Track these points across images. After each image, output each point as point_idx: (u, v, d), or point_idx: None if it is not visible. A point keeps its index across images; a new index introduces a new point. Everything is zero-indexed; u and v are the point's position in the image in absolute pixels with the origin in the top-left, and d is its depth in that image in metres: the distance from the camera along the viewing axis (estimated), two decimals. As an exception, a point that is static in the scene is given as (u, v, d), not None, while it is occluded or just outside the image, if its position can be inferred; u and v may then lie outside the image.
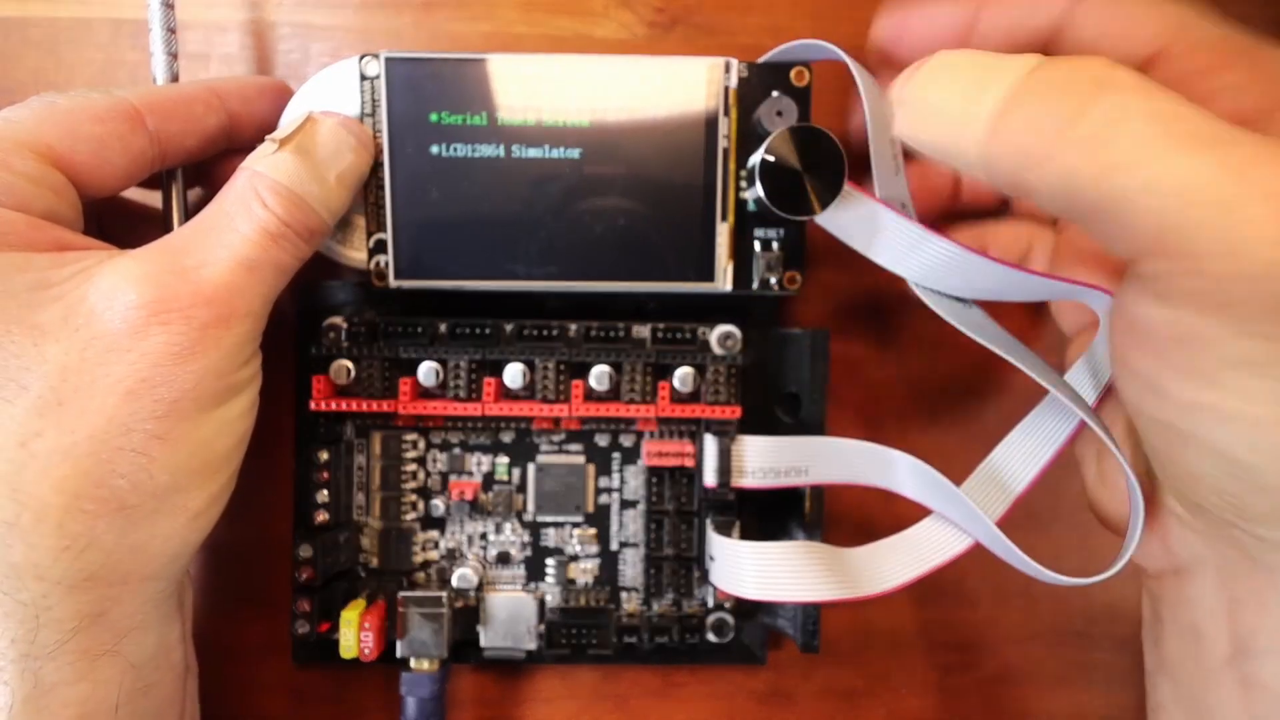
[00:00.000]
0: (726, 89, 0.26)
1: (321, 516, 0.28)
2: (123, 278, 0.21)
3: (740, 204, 0.27)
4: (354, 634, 0.27)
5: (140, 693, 0.22)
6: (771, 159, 0.25)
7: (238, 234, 0.22)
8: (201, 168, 0.27)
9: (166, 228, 0.26)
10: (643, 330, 0.28)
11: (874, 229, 0.25)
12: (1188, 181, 0.16)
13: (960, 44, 0.24)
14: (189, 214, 0.26)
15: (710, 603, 0.29)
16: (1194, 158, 0.16)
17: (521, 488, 0.30)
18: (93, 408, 0.20)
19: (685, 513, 0.29)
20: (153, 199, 0.28)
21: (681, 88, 0.26)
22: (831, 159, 0.24)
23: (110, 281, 0.21)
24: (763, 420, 0.29)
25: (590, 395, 0.28)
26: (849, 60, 0.25)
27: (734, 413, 0.28)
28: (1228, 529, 0.19)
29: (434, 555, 0.29)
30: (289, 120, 0.24)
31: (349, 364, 0.27)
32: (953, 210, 0.29)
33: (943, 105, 0.20)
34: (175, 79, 0.26)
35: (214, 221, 0.23)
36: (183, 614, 0.24)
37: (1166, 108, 0.17)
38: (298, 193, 0.23)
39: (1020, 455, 0.25)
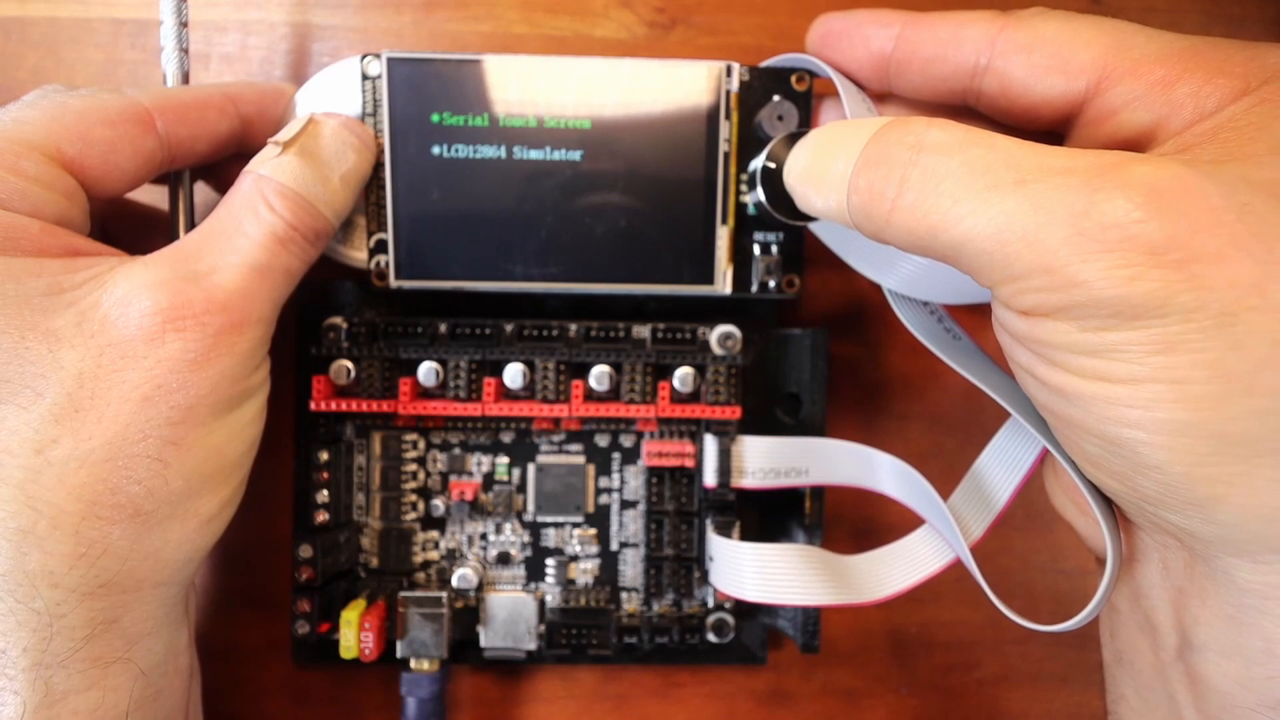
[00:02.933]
0: (728, 93, 0.26)
1: (321, 516, 0.28)
2: (136, 284, 0.21)
3: (740, 208, 0.27)
4: (354, 634, 0.27)
5: (150, 699, 0.22)
6: (772, 165, 0.25)
7: (247, 239, 0.22)
8: (210, 168, 0.27)
9: (173, 230, 0.26)
10: (643, 330, 0.28)
11: (858, 237, 0.25)
12: (998, 224, 0.18)
13: (877, 68, 0.25)
14: (195, 216, 0.26)
15: (710, 603, 0.29)
16: (1001, 202, 0.18)
17: (521, 488, 0.30)
18: (109, 414, 0.20)
19: (685, 513, 0.29)
20: (157, 199, 0.28)
21: (683, 91, 0.26)
22: None
23: (124, 288, 0.21)
24: (763, 420, 0.29)
25: (590, 395, 0.28)
26: (835, 76, 0.25)
27: (734, 413, 0.28)
28: (1148, 516, 0.19)
29: (434, 555, 0.29)
30: (292, 122, 0.24)
31: (349, 364, 0.27)
32: None
33: (817, 175, 0.22)
34: (186, 76, 0.26)
35: (222, 226, 0.23)
36: (188, 618, 0.24)
37: (974, 159, 0.18)
38: (303, 195, 0.23)
39: (1000, 468, 0.25)
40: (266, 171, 0.23)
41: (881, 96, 0.26)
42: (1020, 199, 0.17)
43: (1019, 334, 0.19)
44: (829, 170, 0.21)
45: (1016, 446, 0.25)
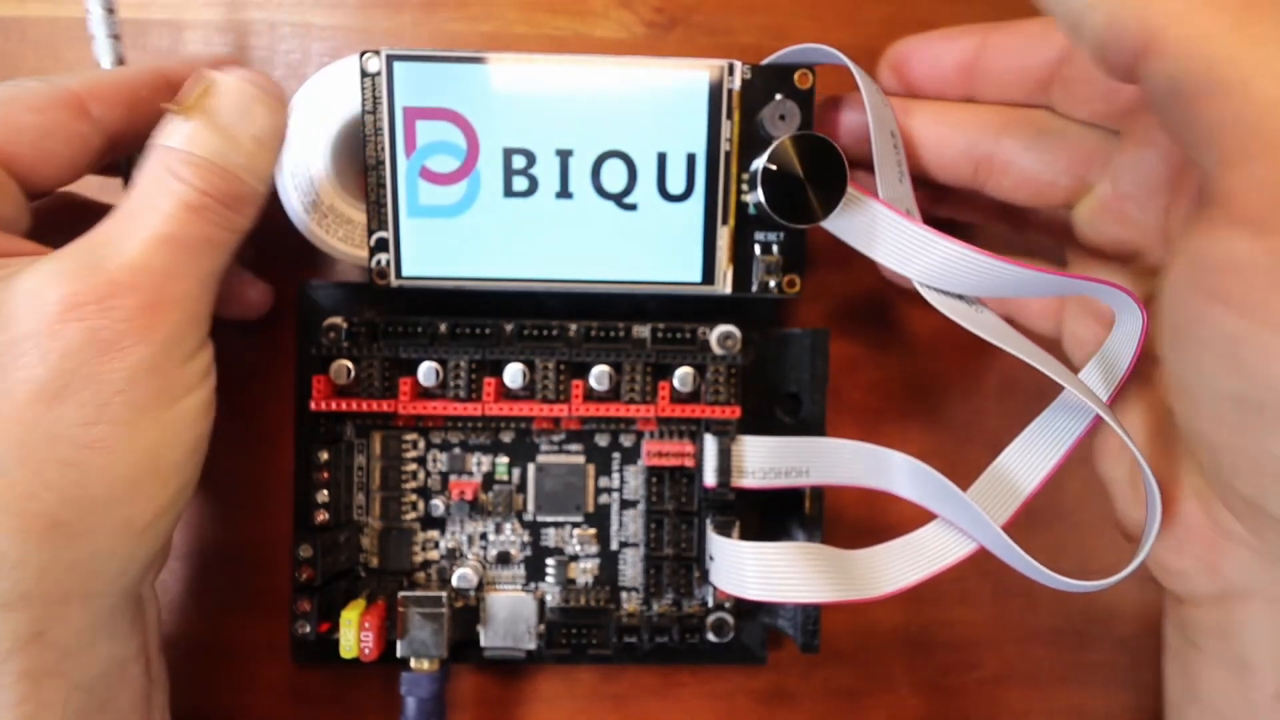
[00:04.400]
0: (729, 91, 0.26)
1: (321, 516, 0.28)
2: (43, 278, 0.20)
3: (741, 207, 0.27)
4: (354, 634, 0.27)
5: (92, 712, 0.21)
6: (774, 167, 0.25)
7: (157, 213, 0.21)
8: None
9: None
10: (643, 330, 0.28)
11: (878, 231, 0.25)
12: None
13: (964, 81, 0.25)
14: None
15: (710, 602, 0.29)
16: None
17: (521, 488, 0.30)
18: (13, 418, 0.19)
19: (685, 513, 0.29)
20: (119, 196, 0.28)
21: (684, 90, 0.26)
22: (834, 166, 0.24)
23: (31, 283, 0.20)
24: (763, 420, 0.29)
25: (590, 395, 0.28)
26: (851, 65, 0.25)
27: (734, 413, 0.28)
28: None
29: (434, 555, 0.29)
30: (186, 84, 0.22)
31: (349, 364, 0.27)
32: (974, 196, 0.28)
33: None
34: (120, 61, 0.25)
35: (132, 207, 0.21)
36: (143, 627, 0.23)
37: None
38: (213, 161, 0.21)
39: (1030, 456, 0.25)
40: (171, 143, 0.21)
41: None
42: None
43: (1244, 267, 0.15)
44: None
45: (1048, 436, 0.25)
